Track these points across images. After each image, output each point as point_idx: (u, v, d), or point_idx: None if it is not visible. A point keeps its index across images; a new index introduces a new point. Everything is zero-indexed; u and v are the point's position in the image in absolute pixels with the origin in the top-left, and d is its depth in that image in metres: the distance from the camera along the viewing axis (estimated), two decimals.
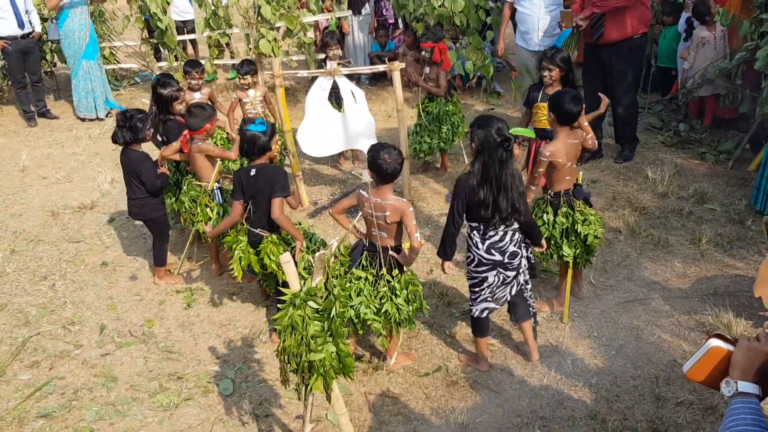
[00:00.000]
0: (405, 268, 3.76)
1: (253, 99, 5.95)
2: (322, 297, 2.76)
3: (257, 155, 4.02)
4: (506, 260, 3.65)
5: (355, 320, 3.59)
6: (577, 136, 4.04)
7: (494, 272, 3.68)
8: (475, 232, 3.64)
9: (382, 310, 3.55)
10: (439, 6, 7.76)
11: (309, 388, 2.88)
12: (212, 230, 4.36)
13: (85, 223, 6.10)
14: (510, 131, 3.53)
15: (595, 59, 5.89)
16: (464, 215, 3.60)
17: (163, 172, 4.83)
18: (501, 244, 3.62)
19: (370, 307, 3.54)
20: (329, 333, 2.77)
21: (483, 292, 3.75)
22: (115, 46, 9.84)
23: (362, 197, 3.61)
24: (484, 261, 3.64)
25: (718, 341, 1.72)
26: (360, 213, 3.66)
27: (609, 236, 5.15)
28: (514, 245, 3.66)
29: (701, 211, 5.42)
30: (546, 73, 4.90)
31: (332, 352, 2.78)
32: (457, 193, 3.56)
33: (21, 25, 8.25)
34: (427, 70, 6.05)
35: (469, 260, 3.73)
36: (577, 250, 4.12)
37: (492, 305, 3.80)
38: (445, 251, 3.76)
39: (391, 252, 3.65)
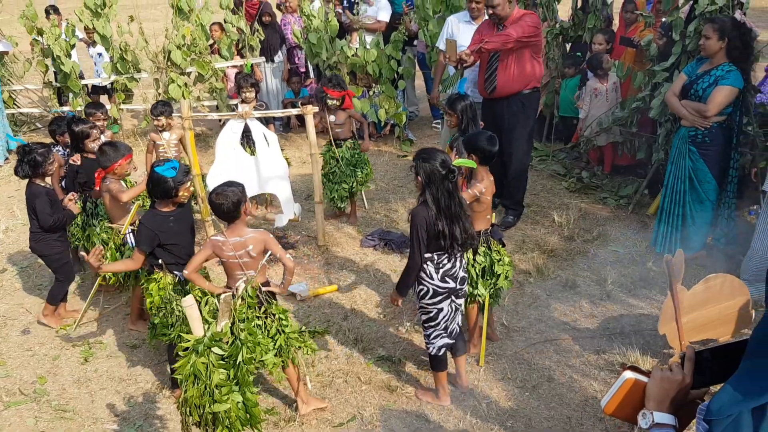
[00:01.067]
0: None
1: (167, 142, 5.76)
2: (227, 342, 2.61)
3: (161, 199, 3.81)
4: (458, 286, 3.70)
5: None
6: (491, 175, 4.13)
7: (448, 301, 3.70)
8: (428, 262, 3.63)
9: (276, 346, 3.41)
10: (352, 55, 7.88)
11: None
12: (104, 267, 3.85)
13: None
14: (453, 162, 3.58)
15: (491, 113, 5.95)
16: (425, 248, 3.59)
17: (69, 209, 4.61)
18: (453, 271, 3.67)
19: (269, 352, 3.39)
20: (235, 381, 2.62)
21: (438, 327, 3.74)
22: (14, 90, 9.39)
23: (218, 242, 3.49)
24: (440, 290, 3.66)
25: (633, 373, 1.72)
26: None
27: (519, 278, 5.23)
28: (463, 270, 3.74)
29: (605, 253, 5.60)
30: (447, 118, 5.01)
31: (238, 402, 2.64)
32: (417, 224, 3.54)
33: None
34: (332, 118, 6.03)
35: (421, 294, 3.71)
36: (491, 291, 4.15)
37: (448, 340, 3.80)
38: (407, 286, 3.74)
39: (264, 288, 3.55)
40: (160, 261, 3.75)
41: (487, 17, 5.94)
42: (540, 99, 6.20)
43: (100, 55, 9.34)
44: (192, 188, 3.84)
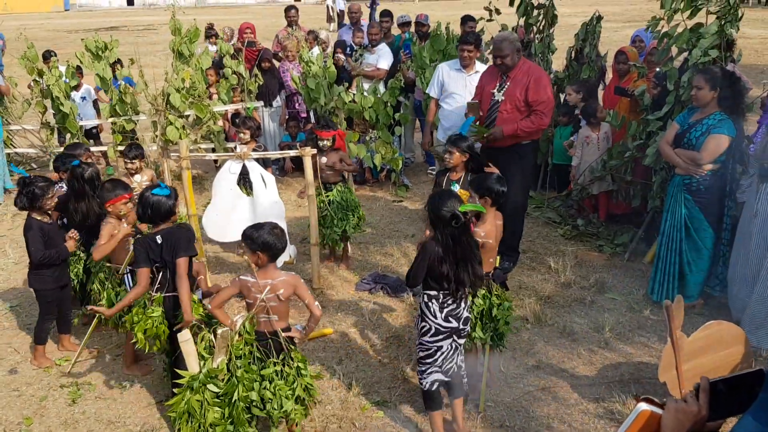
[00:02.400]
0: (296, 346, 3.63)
1: (139, 184, 5.70)
2: (223, 380, 2.55)
3: (162, 221, 3.86)
4: (461, 326, 3.69)
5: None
6: (499, 217, 4.15)
7: (449, 340, 3.68)
8: (433, 300, 3.62)
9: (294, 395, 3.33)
10: (350, 101, 7.97)
11: None
12: (113, 309, 3.94)
13: None
14: (460, 208, 3.58)
15: (488, 160, 5.98)
16: (422, 278, 3.58)
17: (65, 245, 4.59)
18: (457, 311, 3.66)
19: (289, 398, 3.30)
20: (230, 420, 2.55)
21: (435, 363, 3.70)
22: (11, 130, 9.41)
23: (246, 283, 3.47)
24: (442, 329, 3.64)
25: (648, 405, 1.68)
26: (238, 316, 3.44)
27: (517, 324, 5.18)
28: (467, 310, 3.74)
29: (602, 301, 5.57)
30: (446, 156, 5.03)
31: None
32: (423, 256, 3.56)
33: None
34: (324, 159, 6.06)
35: (423, 330, 3.69)
36: (489, 335, 4.11)
37: (441, 377, 3.75)
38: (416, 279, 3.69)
39: (284, 334, 3.50)
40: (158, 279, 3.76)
41: (489, 65, 6.04)
42: (537, 148, 6.26)
43: (83, 98, 9.40)
44: (199, 234, 3.88)
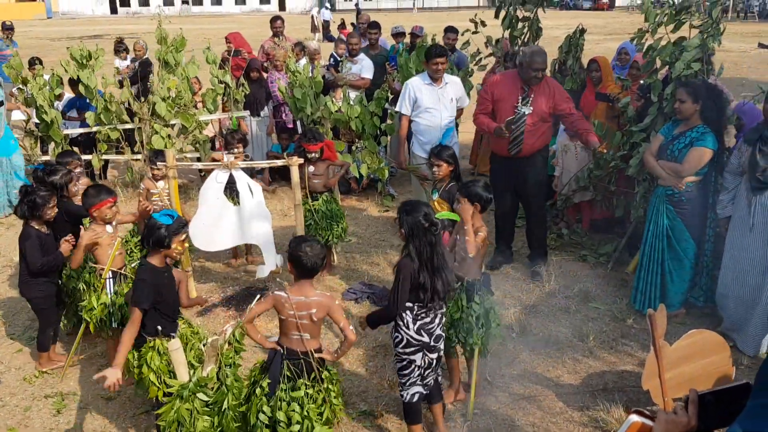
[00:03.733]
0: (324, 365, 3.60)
1: (161, 190, 5.74)
2: (213, 388, 2.55)
3: (152, 248, 3.61)
4: (432, 342, 3.68)
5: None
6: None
7: (420, 354, 3.67)
8: (407, 312, 3.62)
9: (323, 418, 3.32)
10: (336, 111, 8.01)
11: None
12: (119, 358, 3.42)
13: None
14: (436, 215, 3.62)
15: (511, 170, 6.03)
16: (405, 301, 3.59)
17: (60, 251, 4.59)
18: (431, 326, 3.67)
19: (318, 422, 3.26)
20: (219, 429, 2.55)
21: (413, 374, 3.71)
22: None
23: (280, 299, 3.36)
24: (413, 342, 3.64)
25: (639, 417, 1.72)
26: (228, 325, 3.35)
27: (502, 333, 5.20)
28: (440, 328, 3.73)
29: (586, 310, 5.62)
30: (435, 169, 5.14)
31: None
32: (403, 276, 3.55)
33: None
34: (312, 169, 6.09)
35: (396, 341, 3.70)
36: (482, 339, 4.18)
37: (421, 390, 3.76)
38: (376, 324, 3.79)
39: (317, 355, 3.45)
40: (159, 327, 3.45)
41: (501, 70, 6.24)
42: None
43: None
44: (186, 244, 3.64)
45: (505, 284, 6.08)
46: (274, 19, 9.84)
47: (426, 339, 3.66)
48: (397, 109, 6.82)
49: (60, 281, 4.86)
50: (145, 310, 3.41)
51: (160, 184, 5.78)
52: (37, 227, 4.61)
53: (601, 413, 4.27)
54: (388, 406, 4.39)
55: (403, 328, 3.65)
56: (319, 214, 6.05)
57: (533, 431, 4.14)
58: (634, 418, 1.73)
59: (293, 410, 2.98)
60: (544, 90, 5.78)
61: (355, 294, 5.92)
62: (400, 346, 3.68)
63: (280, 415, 3.02)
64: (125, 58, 10.97)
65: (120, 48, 11.17)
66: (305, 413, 3.13)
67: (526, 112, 5.80)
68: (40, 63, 9.83)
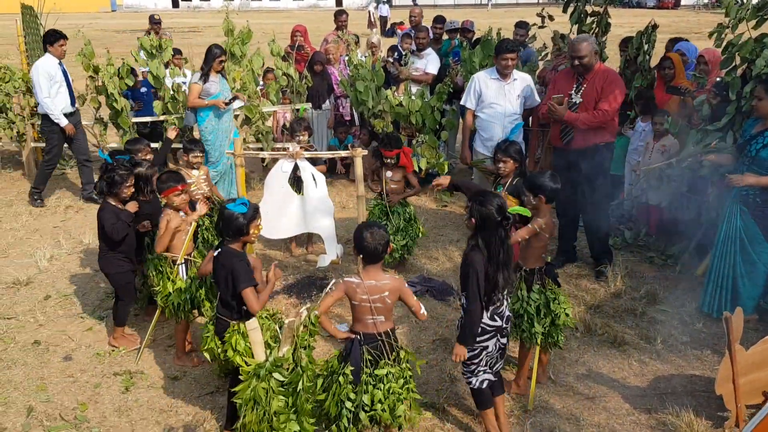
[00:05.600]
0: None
1: (197, 178, 5.82)
2: (288, 369, 2.57)
3: (231, 237, 3.70)
4: (504, 324, 3.70)
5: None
6: (553, 214, 4.17)
7: (495, 339, 3.68)
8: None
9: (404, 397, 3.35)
10: (397, 105, 7.99)
11: None
12: (264, 295, 3.65)
13: (18, 300, 5.72)
14: (509, 209, 3.60)
15: (565, 162, 5.98)
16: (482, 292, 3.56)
17: (128, 208, 4.73)
18: (501, 310, 3.69)
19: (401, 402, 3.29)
20: (293, 409, 2.57)
21: (481, 363, 3.71)
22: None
23: (351, 284, 3.41)
24: (488, 329, 3.65)
25: None
26: (303, 308, 3.37)
27: (566, 333, 5.11)
28: (508, 309, 3.77)
29: (653, 312, 5.48)
30: (501, 165, 5.13)
31: (295, 431, 2.57)
32: (476, 270, 3.51)
33: (73, 101, 8.13)
34: (389, 174, 6.09)
35: None
36: (546, 329, 4.14)
37: (491, 376, 3.77)
38: (473, 335, 3.64)
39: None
40: (244, 308, 3.52)
41: (565, 67, 6.07)
42: (612, 152, 6.22)
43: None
44: (261, 226, 3.73)
45: (568, 283, 5.97)
46: (339, 13, 9.86)
47: (499, 323, 3.69)
48: (462, 102, 6.75)
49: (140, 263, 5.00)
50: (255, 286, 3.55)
51: (195, 172, 5.84)
52: (113, 203, 4.72)
53: (670, 417, 4.15)
54: (449, 398, 4.36)
55: None
56: (393, 216, 6.06)
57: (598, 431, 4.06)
58: None
59: (378, 389, 2.98)
60: (598, 81, 5.70)
61: (414, 287, 5.90)
62: (477, 336, 3.67)
63: (366, 398, 3.03)
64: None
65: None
66: (388, 391, 3.13)
67: (577, 102, 5.77)
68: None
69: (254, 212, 3.72)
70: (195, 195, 5.57)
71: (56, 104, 7.84)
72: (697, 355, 4.88)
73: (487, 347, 3.70)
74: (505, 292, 3.72)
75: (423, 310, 3.50)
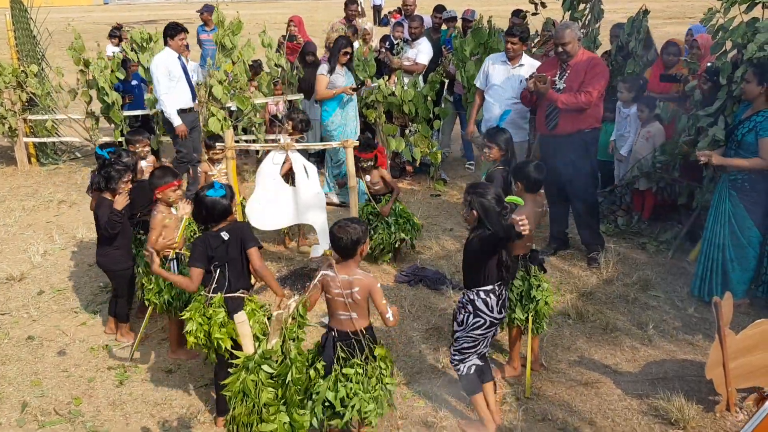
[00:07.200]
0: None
1: (218, 172, 5.84)
2: (277, 361, 2.59)
3: (218, 221, 3.77)
4: (504, 313, 3.79)
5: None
6: (540, 204, 4.17)
7: (494, 329, 3.77)
8: (490, 295, 3.66)
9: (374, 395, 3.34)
10: (390, 94, 7.98)
11: None
12: (160, 270, 3.83)
13: (12, 295, 5.73)
14: (506, 199, 3.62)
15: (551, 148, 6.01)
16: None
17: (117, 199, 4.68)
18: (504, 301, 3.76)
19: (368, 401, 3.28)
20: (283, 401, 2.58)
21: (475, 349, 3.77)
22: (57, 120, 9.63)
23: (327, 278, 3.44)
24: (495, 322, 3.71)
25: None
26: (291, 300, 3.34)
27: (558, 320, 5.15)
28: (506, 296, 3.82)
29: (645, 298, 5.50)
30: (486, 150, 5.09)
31: (285, 423, 2.59)
32: (492, 206, 3.55)
33: (194, 96, 7.84)
34: (368, 178, 6.12)
35: (476, 325, 3.70)
36: (529, 315, 4.20)
37: (478, 362, 3.81)
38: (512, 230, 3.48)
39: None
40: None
41: (552, 55, 6.12)
42: (598, 138, 6.24)
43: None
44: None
45: (560, 270, 5.99)
46: (351, 2, 9.62)
47: (502, 315, 3.77)
48: (474, 82, 7.03)
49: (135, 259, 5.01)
50: (203, 269, 3.68)
51: (218, 166, 5.86)
52: (110, 198, 4.71)
53: (661, 402, 4.17)
54: (443, 386, 4.38)
55: (486, 312, 3.67)
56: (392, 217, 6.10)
57: (591, 418, 4.08)
58: None
59: (344, 386, 2.99)
60: (581, 67, 5.73)
61: (408, 277, 5.91)
62: (481, 329, 3.70)
63: (329, 395, 3.06)
64: (117, 44, 10.59)
65: (114, 34, 10.84)
66: (356, 391, 3.13)
67: (560, 88, 5.80)
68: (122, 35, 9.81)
69: (232, 192, 3.88)
70: None
71: (172, 101, 7.43)
72: (689, 340, 4.90)
73: (486, 336, 3.76)
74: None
75: (390, 316, 3.41)
